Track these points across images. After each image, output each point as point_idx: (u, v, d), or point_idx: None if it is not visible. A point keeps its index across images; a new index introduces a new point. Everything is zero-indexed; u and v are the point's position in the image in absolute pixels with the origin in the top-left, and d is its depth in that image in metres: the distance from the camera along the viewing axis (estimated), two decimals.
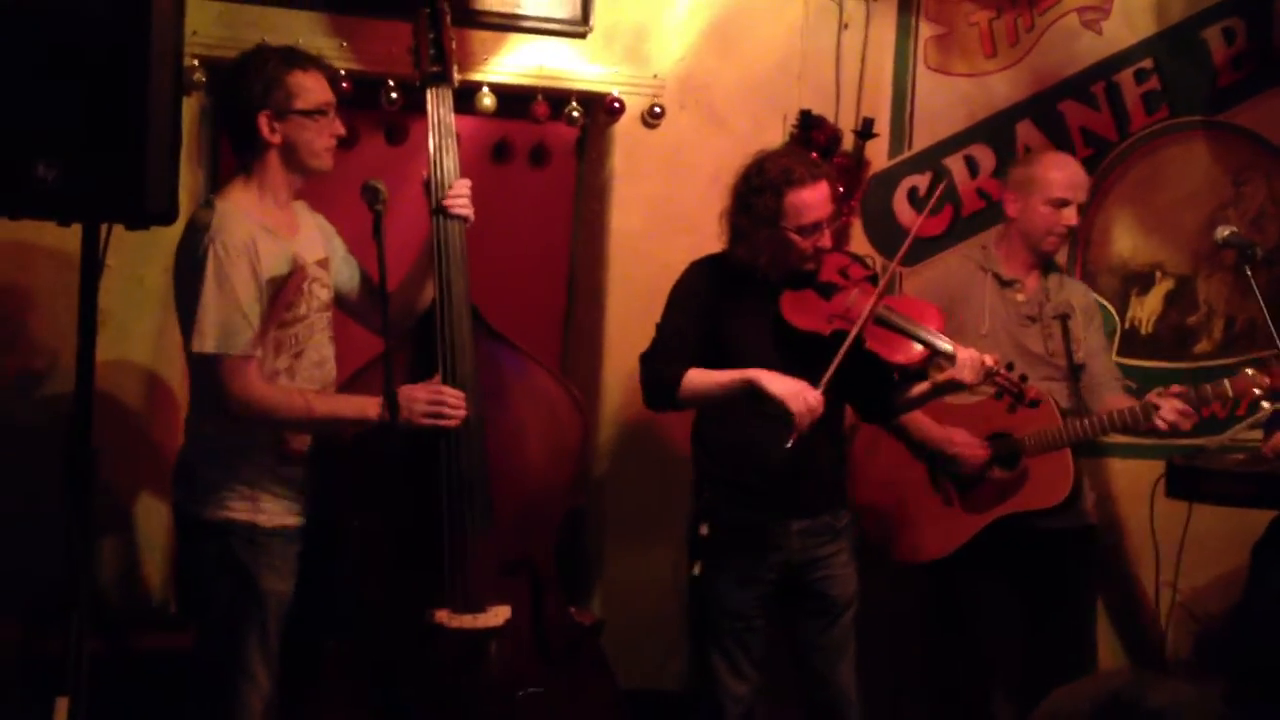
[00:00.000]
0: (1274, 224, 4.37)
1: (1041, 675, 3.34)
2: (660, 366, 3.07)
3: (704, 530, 3.08)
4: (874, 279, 3.14)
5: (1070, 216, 3.53)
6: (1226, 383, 3.33)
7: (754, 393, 2.94)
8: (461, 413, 2.83)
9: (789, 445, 2.87)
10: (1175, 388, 3.37)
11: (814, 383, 2.92)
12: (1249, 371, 3.32)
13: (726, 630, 3.15)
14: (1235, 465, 3.47)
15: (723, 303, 3.11)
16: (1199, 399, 3.32)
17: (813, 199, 3.02)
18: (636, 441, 3.88)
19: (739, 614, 3.15)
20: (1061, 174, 3.54)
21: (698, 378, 3.02)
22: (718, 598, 3.14)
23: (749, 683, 3.18)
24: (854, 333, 2.98)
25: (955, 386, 3.04)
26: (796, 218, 3.01)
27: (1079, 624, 3.68)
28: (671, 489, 3.43)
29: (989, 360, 2.99)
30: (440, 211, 2.93)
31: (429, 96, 2.96)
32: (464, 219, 2.95)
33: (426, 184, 2.95)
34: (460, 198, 2.94)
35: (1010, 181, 3.67)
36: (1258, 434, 3.72)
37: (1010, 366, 3.04)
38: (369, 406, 2.74)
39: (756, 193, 3.04)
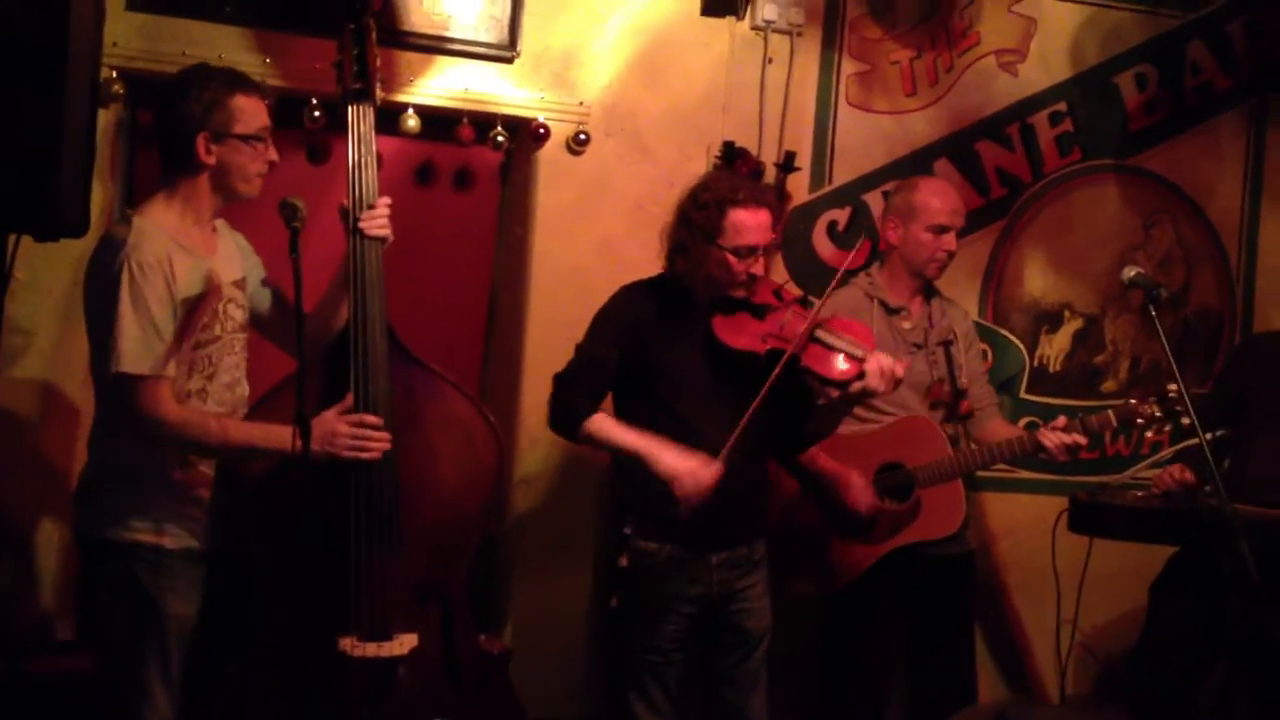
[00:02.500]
0: (1180, 267, 4.49)
1: (927, 699, 3.39)
2: (570, 397, 3.06)
3: (623, 562, 3.08)
4: (806, 301, 3.16)
5: (950, 242, 3.59)
6: (1110, 412, 3.41)
7: (647, 464, 2.95)
8: (385, 445, 2.79)
9: (683, 517, 2.90)
10: (1060, 420, 3.44)
11: (744, 406, 2.92)
12: (1132, 401, 3.41)
13: (643, 664, 3.14)
14: (1135, 502, 3.56)
15: (652, 325, 3.11)
16: (1087, 429, 3.40)
17: (753, 221, 3.04)
18: (553, 468, 3.87)
19: (656, 648, 3.13)
20: (940, 200, 3.60)
21: (599, 429, 3.03)
22: (635, 632, 3.13)
23: (663, 717, 3.17)
24: (791, 349, 2.99)
25: (866, 394, 3.05)
26: (735, 237, 3.03)
27: (962, 647, 3.73)
28: (588, 517, 3.43)
29: (899, 370, 3.02)
30: (357, 232, 2.90)
31: (351, 113, 2.93)
32: (382, 240, 2.92)
33: (343, 211, 2.91)
34: (378, 218, 2.90)
35: (890, 208, 3.72)
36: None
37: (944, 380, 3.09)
38: (285, 438, 2.66)
39: (701, 207, 3.07)
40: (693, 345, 3.10)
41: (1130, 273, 3.33)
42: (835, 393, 3.11)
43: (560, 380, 3.12)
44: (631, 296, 3.17)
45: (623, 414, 3.13)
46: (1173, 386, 3.29)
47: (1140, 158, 4.44)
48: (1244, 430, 3.40)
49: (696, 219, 3.06)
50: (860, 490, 3.41)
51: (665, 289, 3.16)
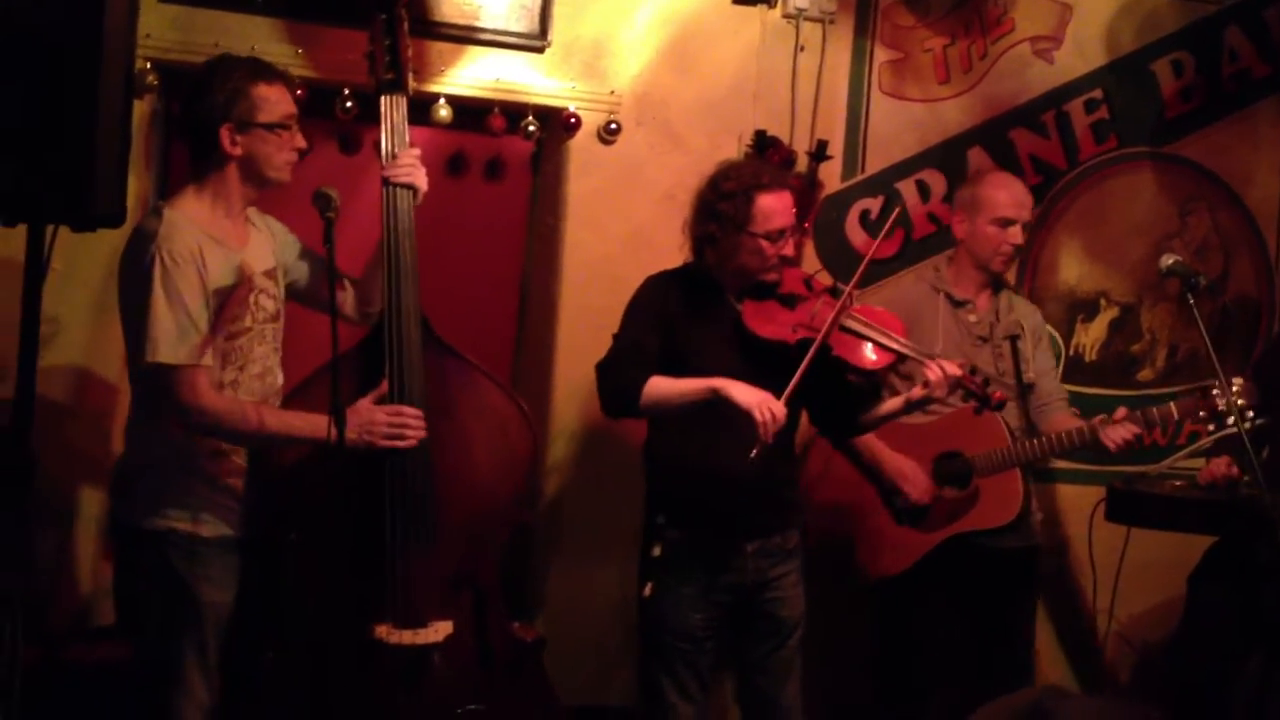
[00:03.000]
0: (1217, 255, 4.45)
1: (982, 694, 3.37)
2: (621, 374, 3.05)
3: (656, 551, 3.07)
4: (836, 291, 3.15)
5: (1016, 235, 3.58)
6: (1172, 406, 3.39)
7: (719, 401, 2.92)
8: (422, 433, 2.81)
9: (753, 456, 2.85)
10: (1122, 410, 3.42)
11: (778, 394, 2.92)
12: (1193, 397, 3.38)
13: (676, 652, 3.14)
14: (1173, 491, 3.53)
15: (682, 315, 3.11)
16: (1146, 421, 3.38)
17: (780, 204, 3.05)
18: (587, 457, 3.88)
19: (689, 636, 3.13)
20: (1006, 194, 3.59)
21: (662, 385, 3.00)
22: (668, 620, 3.13)
23: (696, 704, 3.18)
24: (820, 338, 2.99)
25: (928, 401, 3.07)
26: (765, 222, 3.03)
27: (1019, 643, 3.72)
28: (621, 506, 3.43)
29: (955, 370, 3.01)
30: (385, 181, 2.89)
31: (383, 104, 2.94)
32: (411, 189, 2.91)
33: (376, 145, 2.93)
34: (403, 164, 2.89)
35: (957, 203, 3.71)
36: (1198, 462, 3.78)
37: (973, 370, 3.06)
38: (321, 426, 2.69)
39: (727, 197, 3.06)
40: (722, 334, 3.10)
41: (1168, 260, 3.31)
42: (866, 381, 3.10)
43: (605, 366, 3.10)
44: (660, 286, 3.17)
45: None
46: (1237, 381, 3.25)
47: (1177, 145, 4.40)
48: None
49: (724, 209, 3.05)
50: (916, 480, 3.45)
51: (691, 279, 3.16)
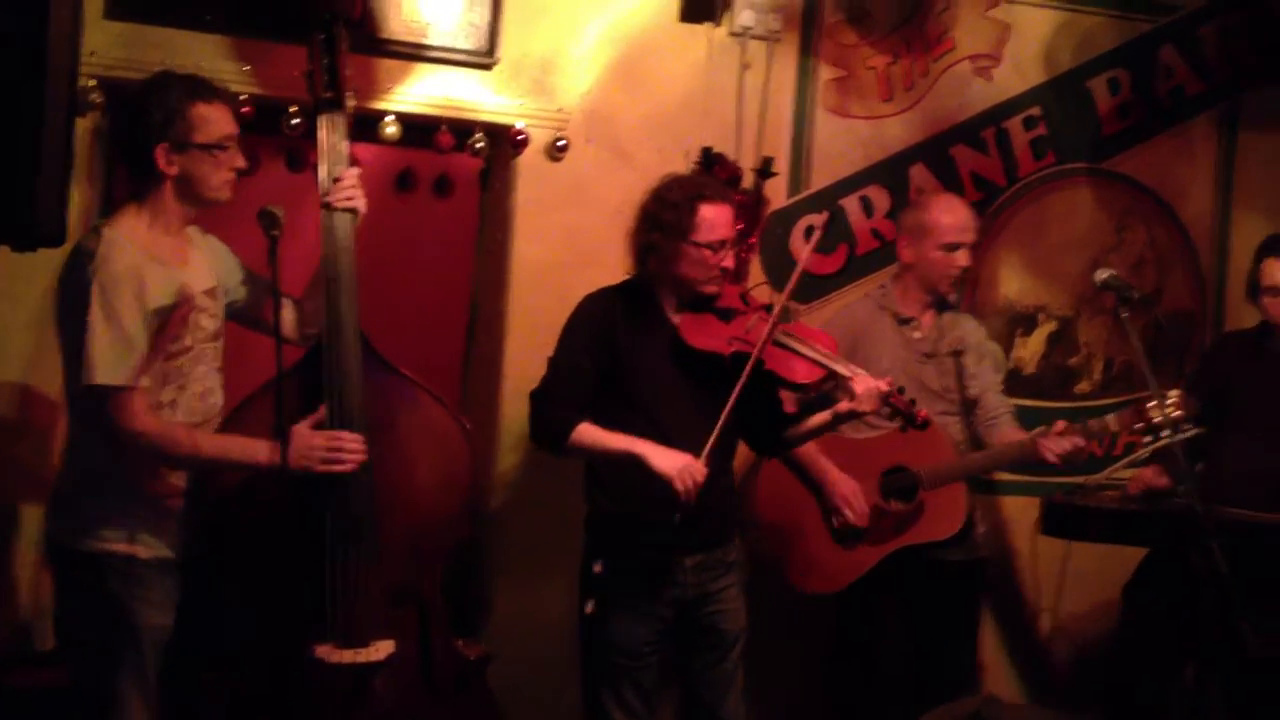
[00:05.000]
0: (1153, 269, 4.53)
1: (927, 703, 3.42)
2: (551, 410, 3.09)
3: (598, 568, 3.09)
4: (771, 308, 3.20)
5: (963, 259, 3.65)
6: (1110, 418, 3.46)
7: (639, 465, 2.97)
8: (361, 457, 2.79)
9: (676, 519, 2.93)
10: (1061, 423, 3.48)
11: (714, 408, 2.96)
12: (1132, 409, 3.45)
13: (619, 669, 3.16)
14: (1107, 504, 3.60)
15: (621, 330, 3.14)
16: (1085, 433, 3.44)
17: (722, 216, 3.11)
18: (533, 474, 3.88)
19: (633, 652, 3.15)
20: (951, 218, 3.65)
21: (587, 435, 3.05)
22: (611, 636, 3.14)
23: None
24: (756, 352, 3.04)
25: (854, 415, 3.12)
26: (708, 232, 3.09)
27: (964, 653, 3.78)
28: (568, 523, 3.43)
29: (884, 386, 3.07)
30: (325, 205, 2.88)
31: (321, 124, 2.92)
32: (353, 212, 2.90)
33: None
34: (345, 188, 2.87)
35: (903, 227, 3.77)
36: (1135, 473, 3.86)
37: (901, 390, 3.13)
38: (259, 452, 2.69)
39: (670, 206, 3.11)
40: (661, 348, 3.14)
41: (1102, 275, 3.39)
42: (799, 396, 3.16)
43: (539, 395, 3.14)
44: (599, 302, 3.20)
45: (593, 418, 3.14)
46: (1174, 393, 3.32)
47: (1113, 161, 4.48)
48: (1216, 431, 3.44)
49: (667, 218, 3.10)
50: (856, 503, 3.51)
51: (632, 293, 3.20)
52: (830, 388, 3.22)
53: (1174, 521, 3.36)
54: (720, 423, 2.97)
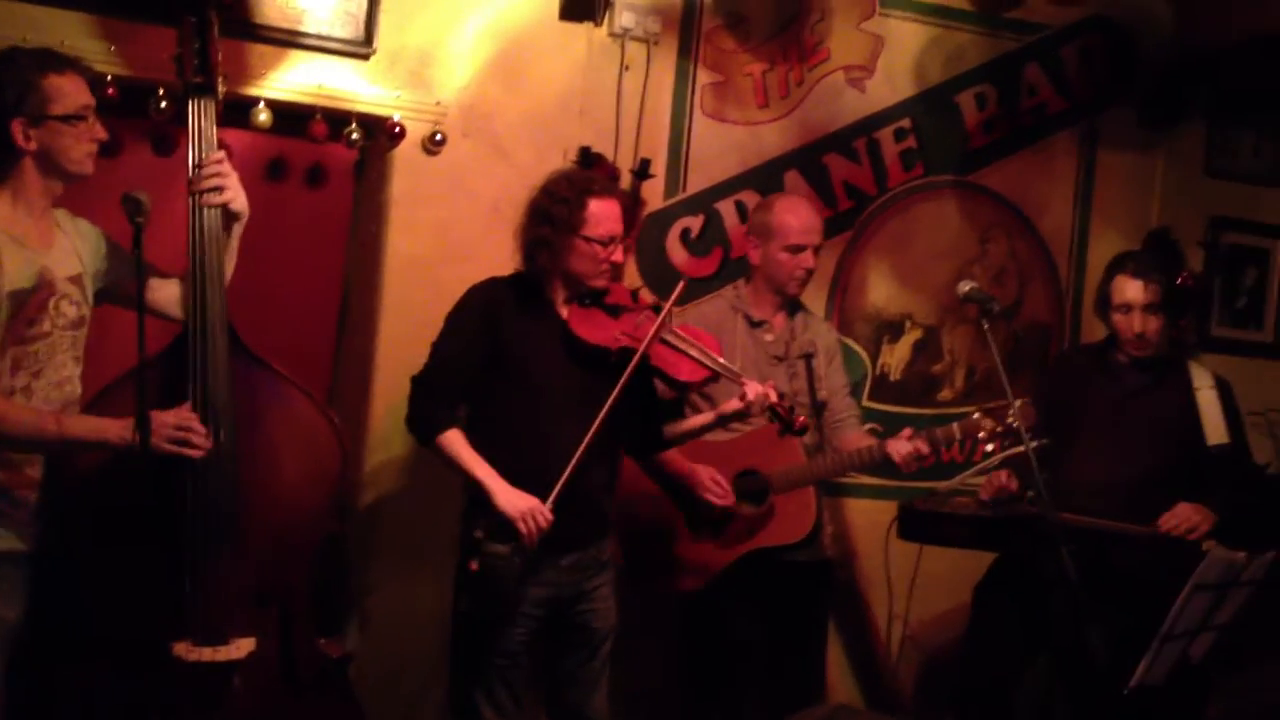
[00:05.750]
0: (1014, 281, 4.67)
1: (775, 706, 3.49)
2: (428, 404, 3.10)
3: (474, 565, 3.08)
4: (659, 308, 3.25)
5: (808, 260, 3.70)
6: (955, 426, 3.56)
7: (486, 496, 3.01)
8: (205, 444, 2.71)
9: (517, 563, 3.00)
10: (906, 431, 3.57)
11: (601, 398, 3.00)
12: (975, 416, 3.55)
13: (491, 668, 3.15)
14: (960, 509, 3.71)
15: (507, 318, 3.15)
16: (930, 440, 3.54)
17: (611, 211, 3.15)
18: (405, 467, 3.86)
19: (505, 651, 3.15)
20: (795, 220, 3.70)
21: (451, 446, 3.09)
22: (484, 635, 3.14)
23: None
24: (642, 347, 3.09)
25: (740, 416, 3.19)
26: (596, 226, 3.12)
27: (812, 654, 3.85)
28: (440, 517, 3.42)
29: (772, 393, 3.15)
30: (195, 197, 2.80)
31: (191, 108, 2.85)
32: (220, 206, 2.80)
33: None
34: (208, 176, 2.78)
35: (750, 229, 3.82)
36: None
37: (782, 396, 3.21)
38: (108, 430, 2.62)
39: (560, 201, 3.13)
40: (549, 339, 3.16)
41: (965, 287, 3.48)
42: (679, 394, 3.21)
43: (419, 382, 3.14)
44: (487, 290, 3.21)
45: (477, 406, 3.16)
46: (1019, 402, 3.41)
47: (979, 175, 4.61)
48: (1060, 441, 3.57)
49: (557, 213, 3.13)
50: (714, 486, 3.50)
51: (522, 285, 3.21)
52: (708, 390, 3.28)
53: (1027, 527, 3.48)
54: (603, 412, 3.01)
